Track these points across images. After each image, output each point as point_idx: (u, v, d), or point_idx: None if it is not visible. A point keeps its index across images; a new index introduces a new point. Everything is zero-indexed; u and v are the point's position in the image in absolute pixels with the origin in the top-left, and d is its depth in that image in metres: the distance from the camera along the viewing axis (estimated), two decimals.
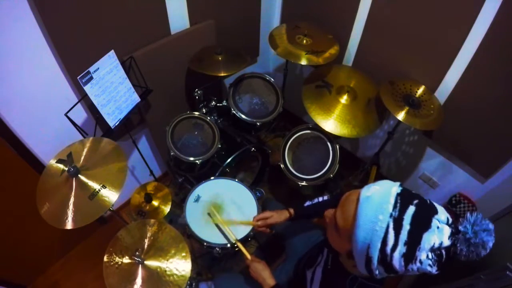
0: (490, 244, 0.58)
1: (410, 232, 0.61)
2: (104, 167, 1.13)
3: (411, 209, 0.63)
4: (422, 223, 0.61)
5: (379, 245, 0.63)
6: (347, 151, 2.37)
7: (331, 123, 1.56)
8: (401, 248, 0.61)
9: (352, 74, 1.79)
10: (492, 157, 1.56)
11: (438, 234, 0.60)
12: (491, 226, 0.59)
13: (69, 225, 1.02)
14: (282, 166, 1.68)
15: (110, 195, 1.06)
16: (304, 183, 1.64)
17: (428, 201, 0.66)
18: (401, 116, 1.40)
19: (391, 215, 0.62)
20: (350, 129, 1.55)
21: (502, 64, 1.32)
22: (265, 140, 2.43)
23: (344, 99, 1.63)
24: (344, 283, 0.80)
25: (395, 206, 0.63)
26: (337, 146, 1.63)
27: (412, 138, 1.93)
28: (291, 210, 1.20)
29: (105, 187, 1.07)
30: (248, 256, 1.16)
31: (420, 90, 1.56)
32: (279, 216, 1.18)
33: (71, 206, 1.04)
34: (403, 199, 0.64)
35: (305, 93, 1.67)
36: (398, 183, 0.69)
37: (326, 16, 1.85)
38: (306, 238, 1.31)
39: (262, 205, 1.57)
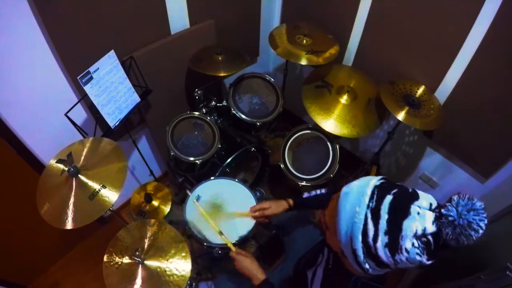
0: (482, 224, 0.54)
1: (389, 221, 0.60)
2: (104, 167, 1.13)
3: (388, 198, 0.62)
4: (400, 210, 0.61)
5: (360, 237, 0.63)
6: (347, 151, 2.37)
7: (331, 123, 1.56)
8: (382, 238, 0.61)
9: (352, 74, 1.79)
10: (492, 157, 1.56)
11: (420, 220, 0.59)
12: (478, 205, 0.56)
13: (69, 225, 1.02)
14: (282, 166, 1.68)
15: (110, 195, 1.06)
16: (304, 183, 1.64)
17: (411, 190, 0.65)
18: (401, 116, 1.40)
19: (368, 206, 0.63)
20: (350, 129, 1.55)
21: (502, 64, 1.32)
22: (265, 140, 2.43)
23: (344, 99, 1.63)
24: (347, 284, 0.79)
25: (371, 197, 0.63)
26: (337, 146, 1.63)
27: (412, 138, 1.93)
28: (290, 201, 1.20)
29: (105, 187, 1.08)
30: (233, 248, 1.11)
31: (420, 90, 1.56)
32: (277, 207, 1.18)
33: (71, 206, 1.05)
34: (381, 190, 0.64)
35: (305, 93, 1.67)
36: (379, 177, 0.69)
37: (326, 16, 1.85)
38: (306, 238, 1.31)
39: None
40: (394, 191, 0.64)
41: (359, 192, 0.66)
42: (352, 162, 2.23)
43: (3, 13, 1.06)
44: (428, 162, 1.92)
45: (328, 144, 1.65)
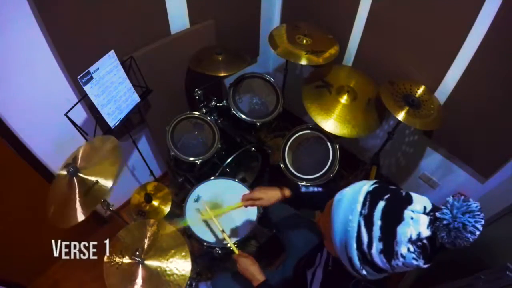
0: (478, 226, 0.52)
1: (382, 228, 0.60)
2: (99, 161, 1.15)
3: (381, 204, 0.62)
4: (393, 216, 0.60)
5: (354, 245, 0.63)
6: (347, 151, 2.37)
7: (331, 123, 1.56)
8: (377, 245, 0.61)
9: (352, 74, 1.79)
10: (492, 157, 1.56)
11: (414, 225, 0.58)
12: (474, 206, 0.54)
13: (80, 218, 1.04)
14: (282, 166, 1.68)
15: (106, 183, 1.09)
16: (304, 183, 1.64)
17: (404, 193, 0.64)
18: (401, 116, 1.40)
19: (360, 214, 0.62)
20: (350, 129, 1.55)
21: (502, 64, 1.32)
22: (265, 140, 2.42)
23: (344, 99, 1.63)
24: (347, 286, 0.79)
25: (364, 204, 0.63)
26: (337, 146, 1.62)
27: (412, 138, 1.93)
28: (287, 192, 1.10)
29: (100, 179, 1.10)
30: (236, 251, 1.14)
31: (420, 90, 1.56)
32: (268, 199, 1.10)
33: (77, 202, 1.07)
34: (373, 196, 0.64)
35: (305, 93, 1.67)
36: (372, 182, 0.68)
37: (326, 16, 1.85)
38: (306, 238, 1.31)
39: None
40: (387, 196, 0.63)
41: (351, 199, 0.65)
42: (352, 162, 2.23)
43: (3, 13, 1.05)
44: (428, 162, 1.92)
45: (328, 144, 1.65)
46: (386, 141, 1.78)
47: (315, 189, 1.15)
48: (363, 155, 2.31)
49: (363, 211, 0.62)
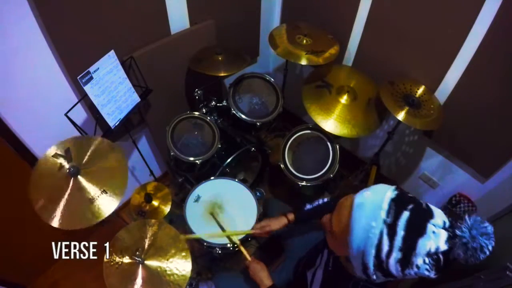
0: (490, 248, 0.57)
1: (404, 238, 0.60)
2: (104, 173, 1.12)
3: (405, 215, 0.62)
4: (416, 228, 0.61)
5: (373, 252, 0.63)
6: (347, 151, 2.37)
7: (331, 123, 1.56)
8: (396, 254, 0.61)
9: (352, 74, 1.79)
10: (492, 157, 1.56)
11: (434, 239, 0.59)
12: (490, 229, 0.58)
13: (55, 223, 1.01)
14: (282, 166, 1.68)
15: (108, 204, 1.06)
16: (304, 183, 1.64)
17: (424, 205, 0.65)
18: (401, 116, 1.40)
19: (384, 221, 0.62)
20: (350, 129, 1.55)
21: (502, 64, 1.32)
22: (265, 140, 2.43)
23: (344, 99, 1.63)
24: (347, 286, 0.79)
25: (388, 212, 0.63)
26: (337, 146, 1.62)
27: (412, 138, 1.93)
28: (290, 216, 1.20)
29: (106, 192, 1.07)
30: (249, 257, 1.17)
31: (420, 90, 1.56)
32: (275, 224, 1.20)
33: (62, 205, 1.03)
34: (397, 204, 0.64)
35: (305, 93, 1.67)
36: (393, 187, 0.68)
37: (326, 16, 1.85)
38: (306, 239, 1.31)
39: (264, 204, 1.57)
40: (411, 206, 0.63)
41: (375, 205, 0.65)
42: (352, 162, 2.23)
43: (4, 14, 1.05)
44: (428, 162, 1.92)
45: (328, 144, 1.65)
46: (386, 141, 1.78)
47: (321, 201, 1.18)
48: (363, 155, 2.31)
49: (387, 219, 0.62)
